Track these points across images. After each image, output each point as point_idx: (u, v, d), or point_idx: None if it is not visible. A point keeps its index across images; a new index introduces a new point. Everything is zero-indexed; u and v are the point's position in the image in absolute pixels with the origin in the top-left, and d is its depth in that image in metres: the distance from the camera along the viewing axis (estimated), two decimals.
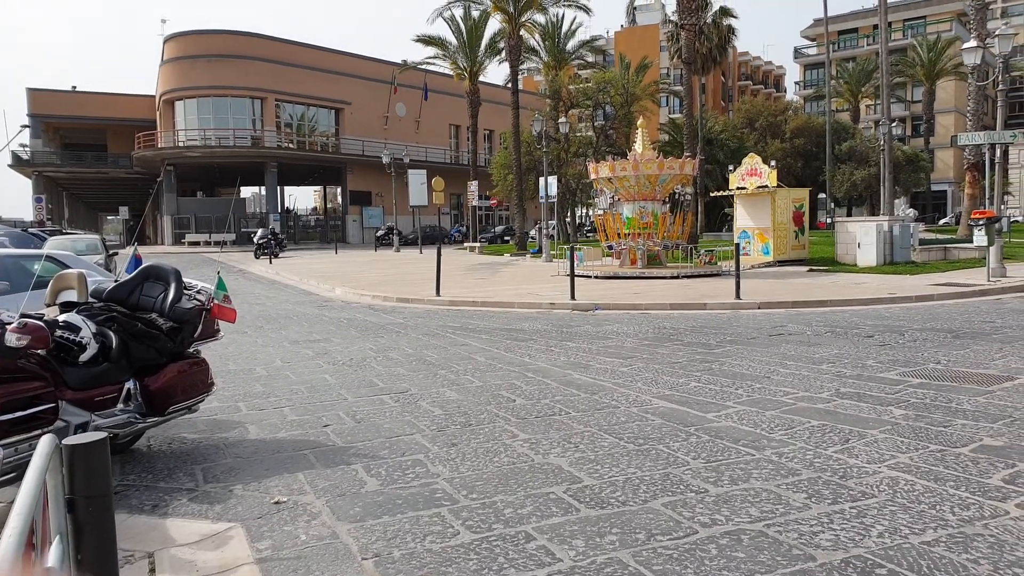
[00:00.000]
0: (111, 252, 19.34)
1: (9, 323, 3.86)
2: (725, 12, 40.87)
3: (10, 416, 3.86)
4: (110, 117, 58.12)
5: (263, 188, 52.89)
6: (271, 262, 29.91)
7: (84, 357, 4.47)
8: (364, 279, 20.52)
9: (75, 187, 66.98)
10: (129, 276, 5.30)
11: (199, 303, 5.27)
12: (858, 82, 56.10)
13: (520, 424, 5.64)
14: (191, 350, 5.31)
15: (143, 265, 5.33)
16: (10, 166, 56.25)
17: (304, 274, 22.90)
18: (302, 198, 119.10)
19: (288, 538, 3.75)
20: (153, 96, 54.42)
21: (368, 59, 54.24)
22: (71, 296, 5.58)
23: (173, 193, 49.32)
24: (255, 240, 34.49)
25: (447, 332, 10.85)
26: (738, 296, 13.29)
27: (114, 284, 5.24)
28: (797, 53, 72.19)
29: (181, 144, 48.38)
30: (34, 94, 57.10)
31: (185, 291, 5.32)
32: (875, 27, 64.00)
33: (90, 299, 5.16)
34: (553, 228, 37.25)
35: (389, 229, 46.53)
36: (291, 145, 51.31)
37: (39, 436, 4.07)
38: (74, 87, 59.58)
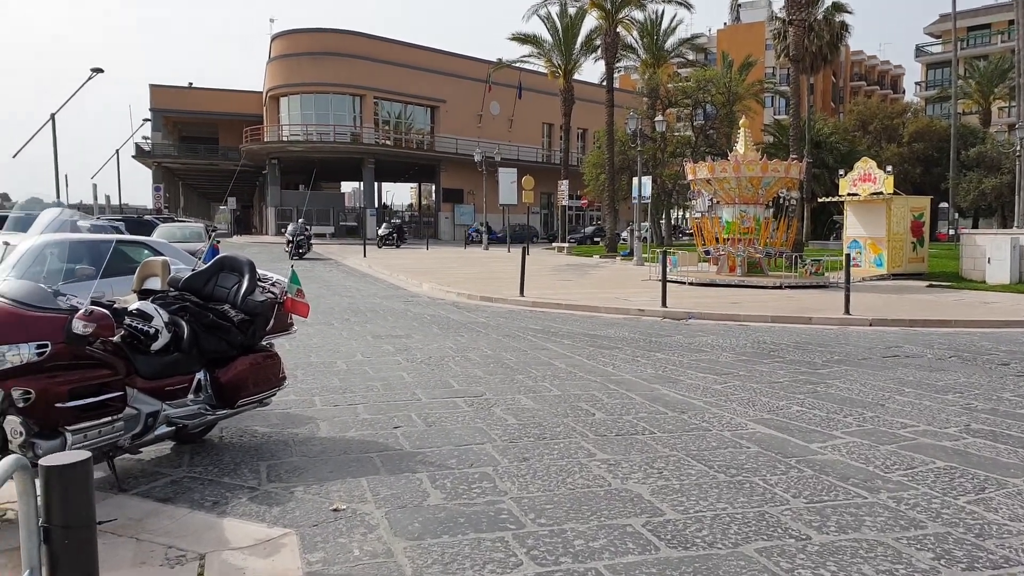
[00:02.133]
0: (214, 240, 20.12)
1: (79, 310, 3.80)
2: (838, 7, 38.57)
3: (79, 403, 3.80)
4: (222, 112, 61.23)
5: (361, 184, 54.27)
6: (300, 258, 27.65)
7: (156, 346, 4.40)
8: (451, 276, 20.51)
9: (190, 177, 71.03)
10: (205, 266, 5.23)
11: (272, 296, 5.14)
12: (990, 82, 51.46)
13: (598, 442, 5.22)
14: (264, 343, 5.20)
15: (219, 256, 5.24)
16: (133, 157, 60.23)
17: (395, 269, 23.16)
18: (399, 194, 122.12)
19: (341, 551, 3.50)
20: (260, 92, 56.88)
21: (463, 57, 54.70)
22: (156, 283, 5.59)
23: (277, 186, 51.33)
24: (286, 236, 29.71)
25: (528, 334, 10.51)
26: (847, 311, 12.31)
27: (190, 273, 5.18)
28: (919, 51, 67.76)
29: (285, 139, 50.29)
30: (155, 90, 60.87)
31: (259, 283, 5.20)
32: (1010, 22, 59.08)
33: (167, 287, 5.11)
34: (646, 230, 36.38)
35: (395, 228, 40.00)
36: (388, 142, 52.39)
37: (110, 423, 4.03)
38: (191, 83, 63.18)
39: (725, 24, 76.58)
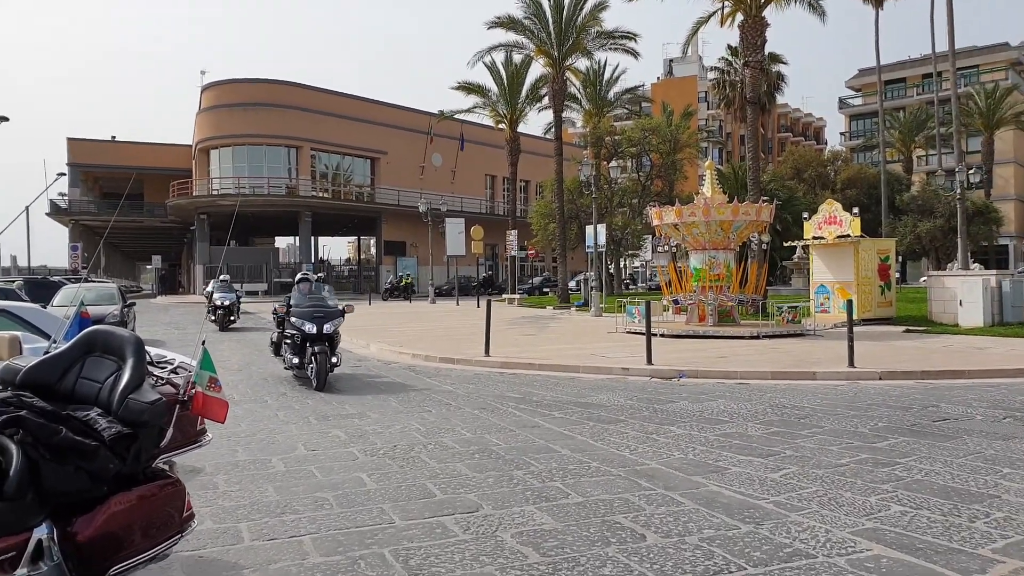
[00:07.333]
0: (128, 302, 17.73)
1: None
2: (774, 58, 39.49)
3: None
4: (147, 166, 58.12)
5: (297, 239, 51.98)
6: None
7: None
8: (401, 334, 18.65)
9: (112, 236, 67.01)
10: (65, 346, 3.39)
11: (172, 391, 3.34)
12: (910, 132, 54.19)
13: None
14: (160, 464, 3.37)
15: (87, 330, 3.41)
16: (47, 214, 56.31)
17: None
18: (336, 248, 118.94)
19: None
20: (189, 145, 54.36)
21: (404, 109, 53.76)
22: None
23: (206, 242, 48.49)
24: (210, 297, 21.94)
25: (508, 405, 8.81)
26: (851, 363, 11.09)
27: (40, 359, 3.33)
28: (842, 103, 70.73)
29: (215, 192, 47.78)
30: (73, 144, 57.49)
31: (152, 368, 3.42)
32: (924, 76, 62.30)
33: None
34: (593, 279, 35.39)
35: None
36: (326, 194, 50.49)
37: None
38: (113, 137, 60.16)
39: (658, 78, 78.53)
